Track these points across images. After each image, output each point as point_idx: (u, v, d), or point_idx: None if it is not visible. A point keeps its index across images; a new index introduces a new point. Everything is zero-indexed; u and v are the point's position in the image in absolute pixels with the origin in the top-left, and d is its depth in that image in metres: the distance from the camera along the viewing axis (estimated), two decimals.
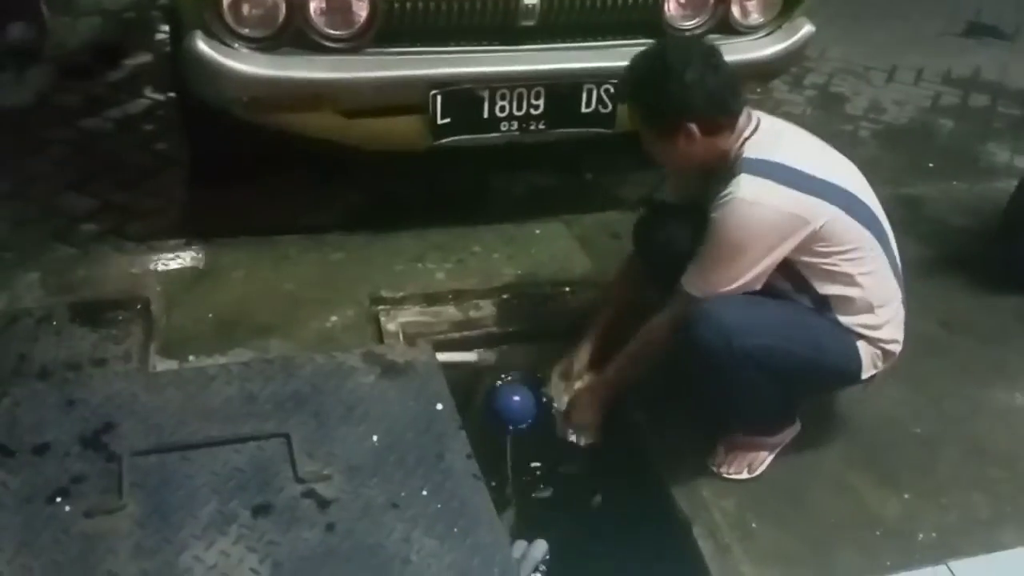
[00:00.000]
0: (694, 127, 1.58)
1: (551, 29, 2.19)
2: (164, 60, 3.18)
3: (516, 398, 1.93)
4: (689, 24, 2.27)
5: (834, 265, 1.63)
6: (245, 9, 2.00)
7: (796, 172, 1.58)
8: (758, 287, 1.62)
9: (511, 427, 1.91)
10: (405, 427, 1.69)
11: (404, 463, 1.62)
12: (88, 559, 1.40)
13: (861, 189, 1.69)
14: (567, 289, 2.24)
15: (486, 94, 2.17)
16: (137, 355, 1.89)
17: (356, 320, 2.09)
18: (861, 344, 1.69)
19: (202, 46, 2.00)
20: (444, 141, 2.22)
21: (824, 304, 1.66)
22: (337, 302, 2.13)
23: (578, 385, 1.89)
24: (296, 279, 2.20)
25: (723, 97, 1.59)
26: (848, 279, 1.64)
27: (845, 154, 1.75)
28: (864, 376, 1.72)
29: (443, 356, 1.96)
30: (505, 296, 2.21)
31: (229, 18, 2.00)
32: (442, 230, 2.44)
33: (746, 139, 1.62)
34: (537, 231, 2.49)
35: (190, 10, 2.05)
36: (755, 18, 2.31)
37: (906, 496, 1.77)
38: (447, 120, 2.18)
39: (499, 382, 1.99)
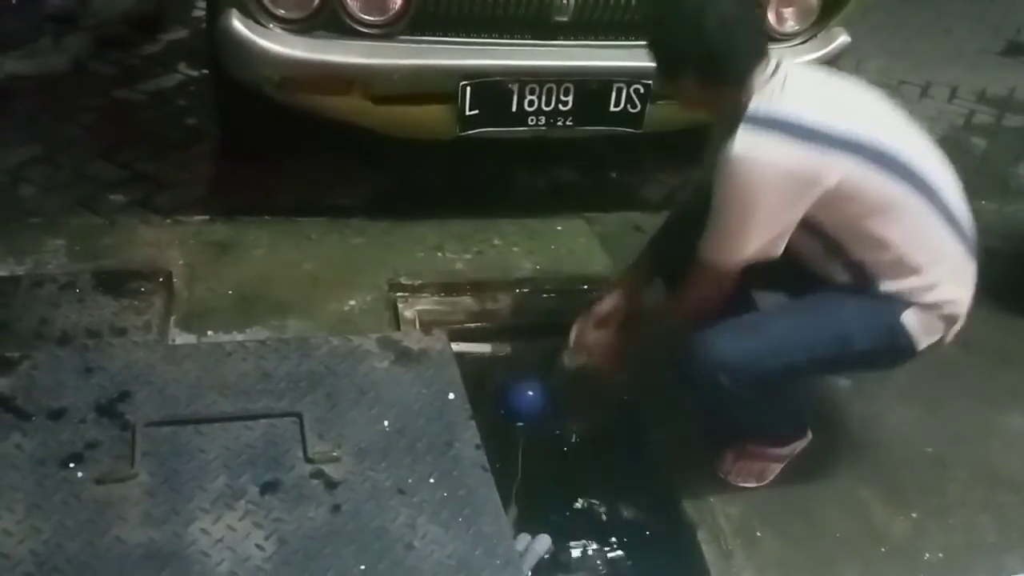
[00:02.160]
0: (709, 78, 1.50)
1: (584, 26, 2.18)
2: (200, 36, 3.20)
3: (529, 393, 1.94)
4: None
5: (861, 227, 1.50)
6: None
7: (799, 125, 1.44)
8: (777, 253, 1.51)
9: (523, 422, 1.92)
10: (416, 414, 1.70)
11: (413, 449, 1.63)
12: (97, 524, 1.42)
13: (896, 138, 1.53)
14: (585, 286, 2.24)
15: (515, 87, 2.17)
16: (157, 327, 1.91)
17: (374, 304, 2.10)
18: (911, 312, 1.55)
19: (237, 25, 2.01)
20: (471, 132, 2.22)
21: (859, 271, 1.56)
22: (356, 285, 2.14)
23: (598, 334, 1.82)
24: (317, 260, 2.22)
25: (737, 44, 1.48)
26: (879, 242, 1.51)
27: None
28: (923, 347, 1.58)
29: (458, 346, 1.97)
30: (523, 290, 2.22)
31: None
32: (463, 220, 2.45)
33: (758, 91, 1.49)
34: (558, 227, 2.50)
35: None
36: (791, 25, 2.30)
37: (914, 515, 1.76)
38: (475, 111, 2.19)
39: (512, 376, 1.99)
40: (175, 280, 2.06)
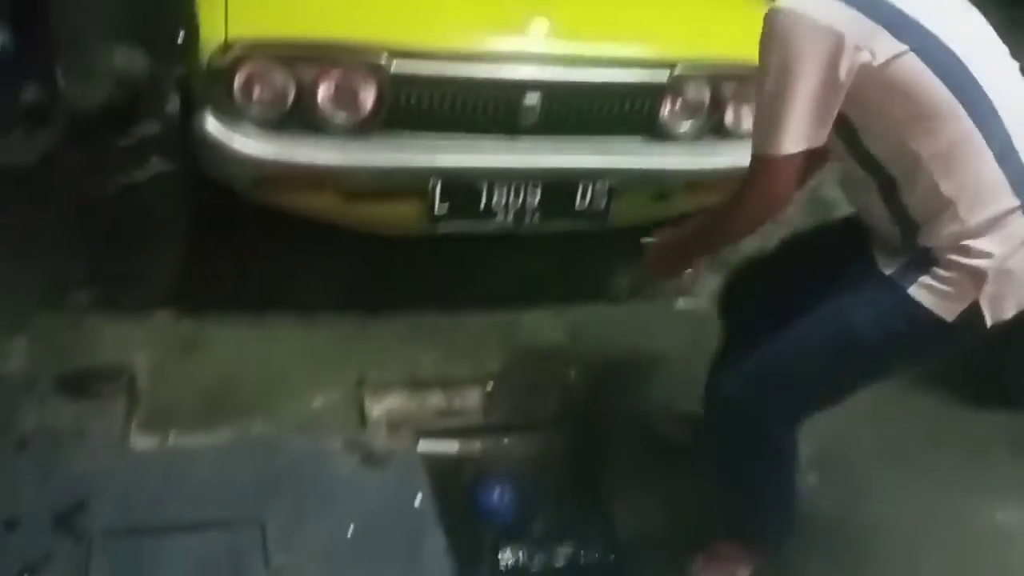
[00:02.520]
0: None
1: (551, 126, 2.23)
2: (173, 130, 3.23)
3: (499, 491, 1.92)
4: (685, 127, 2.33)
5: (903, 142, 1.36)
6: (256, 90, 2.04)
7: None
8: (821, 140, 1.37)
9: (493, 521, 1.89)
10: (382, 519, 1.68)
11: (378, 556, 1.60)
12: None
13: (971, 49, 1.36)
14: (552, 383, 2.24)
15: (485, 185, 2.21)
16: (119, 429, 1.88)
17: (341, 402, 2.09)
18: (917, 286, 1.40)
19: (211, 125, 2.04)
20: (440, 228, 2.25)
21: (895, 198, 1.43)
22: (323, 383, 2.13)
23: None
24: (284, 357, 2.21)
25: None
26: (914, 158, 1.36)
27: None
28: (951, 316, 1.39)
29: (426, 444, 1.95)
30: (492, 386, 2.22)
31: (239, 98, 2.04)
32: (433, 313, 2.46)
33: None
34: (527, 320, 2.51)
35: (201, 88, 2.09)
36: (749, 125, 2.37)
37: None
38: (445, 208, 2.22)
39: (482, 476, 1.97)
40: (139, 380, 2.04)
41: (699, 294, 2.75)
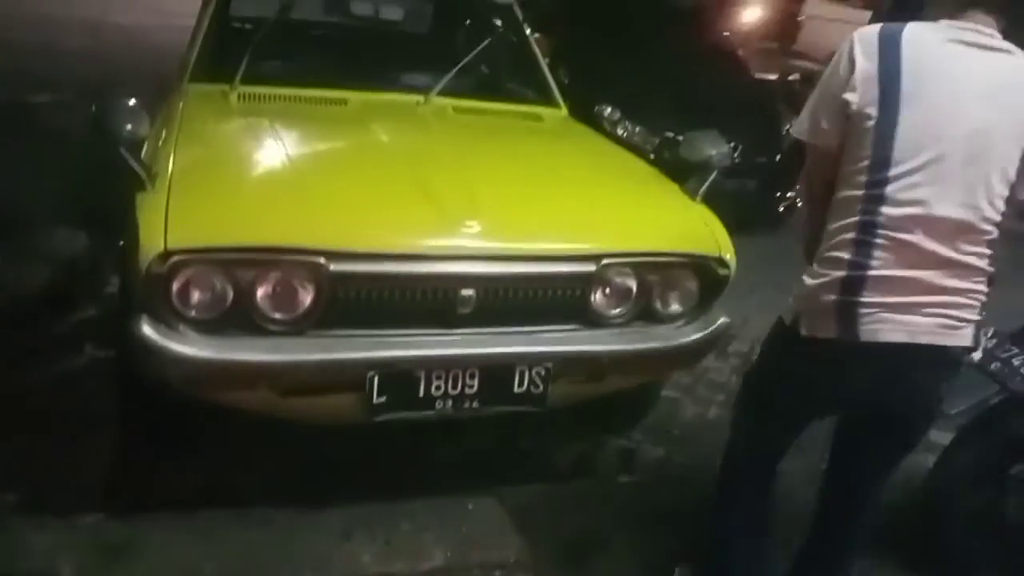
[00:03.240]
0: None
1: (486, 315, 2.31)
2: (109, 315, 3.23)
3: None
4: (615, 312, 2.42)
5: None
6: (194, 295, 2.08)
7: (897, 56, 1.68)
8: (816, 139, 1.78)
9: None
10: None
11: None
12: None
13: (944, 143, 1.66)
14: (497, 573, 2.21)
15: (422, 375, 2.24)
16: None
17: None
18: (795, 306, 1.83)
19: (147, 330, 2.05)
20: (379, 418, 2.26)
21: None
22: None
23: None
24: (217, 559, 2.14)
25: None
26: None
27: None
28: (809, 332, 1.77)
29: None
30: None
31: (177, 302, 2.07)
32: (372, 503, 2.42)
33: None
34: (470, 505, 2.49)
35: (138, 292, 2.11)
36: (675, 308, 2.49)
37: None
38: (383, 399, 2.23)
39: None
40: None
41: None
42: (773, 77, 6.51)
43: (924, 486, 2.58)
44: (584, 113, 4.39)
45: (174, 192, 2.13)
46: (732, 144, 4.76)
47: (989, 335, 2.20)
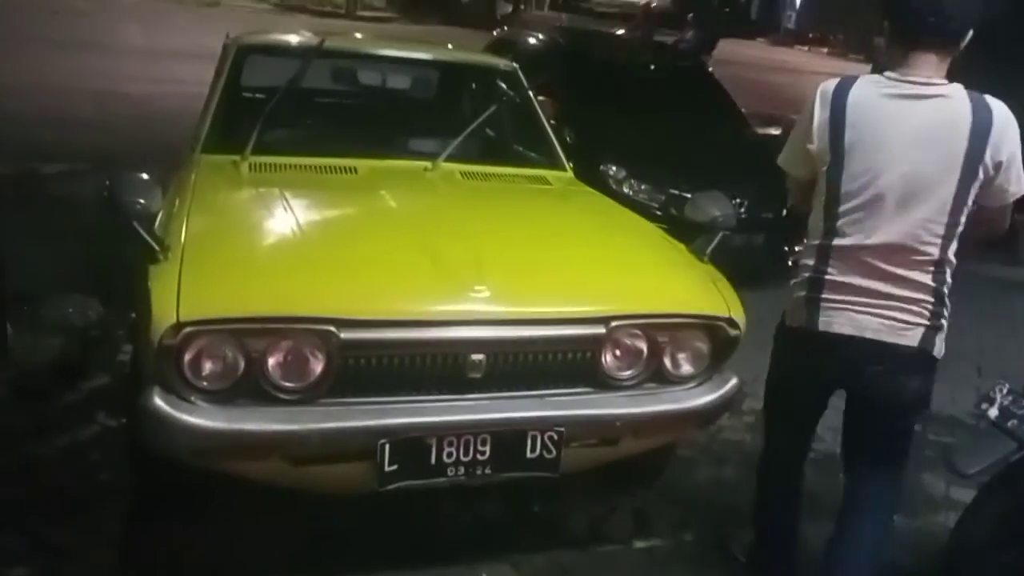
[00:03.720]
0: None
1: (497, 380, 2.30)
2: (122, 383, 3.23)
3: None
4: (625, 375, 2.41)
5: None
6: (205, 366, 2.09)
7: (852, 111, 2.03)
8: (789, 169, 2.24)
9: None
10: None
11: None
12: None
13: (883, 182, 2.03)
14: None
15: (434, 442, 2.23)
16: None
17: None
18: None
19: (159, 402, 2.05)
20: (390, 487, 2.24)
21: None
22: None
23: None
24: None
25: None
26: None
27: None
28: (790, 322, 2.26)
29: None
30: None
31: (188, 373, 2.08)
32: (386, 572, 2.39)
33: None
34: (484, 574, 2.45)
35: (149, 363, 2.12)
36: (686, 369, 2.48)
37: None
38: (394, 467, 2.21)
39: None
40: None
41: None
42: (776, 132, 6.55)
43: (946, 546, 2.53)
44: (590, 172, 4.47)
45: (186, 264, 2.16)
46: (738, 200, 4.91)
47: (1004, 392, 2.18)
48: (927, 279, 2.05)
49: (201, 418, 2.08)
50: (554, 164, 3.51)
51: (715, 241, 2.67)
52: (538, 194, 3.26)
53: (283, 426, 2.13)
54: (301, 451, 2.18)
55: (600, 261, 2.58)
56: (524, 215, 3.00)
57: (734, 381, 2.51)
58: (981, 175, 1.99)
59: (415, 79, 4.22)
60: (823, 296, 2.12)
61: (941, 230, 2.01)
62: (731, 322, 2.43)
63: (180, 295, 2.05)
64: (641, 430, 2.46)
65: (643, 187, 5.17)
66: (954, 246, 2.06)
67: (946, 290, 2.07)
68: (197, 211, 2.54)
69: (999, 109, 2.00)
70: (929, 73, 2.00)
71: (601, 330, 2.31)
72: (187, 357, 2.06)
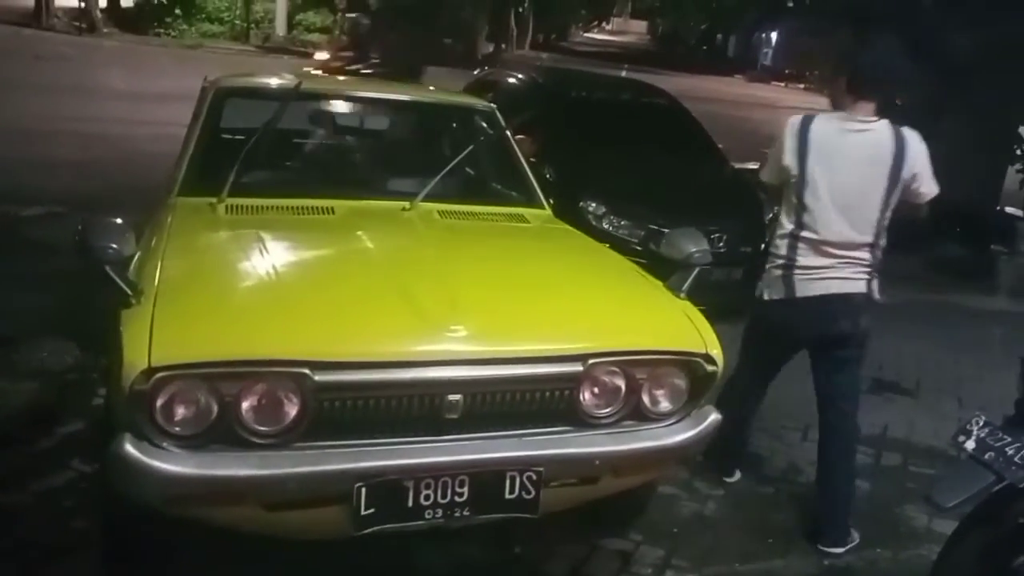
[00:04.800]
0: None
1: (474, 420, 2.28)
2: (97, 428, 3.18)
3: None
4: (604, 412, 2.40)
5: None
6: (178, 411, 2.06)
7: (814, 140, 2.87)
8: (768, 179, 3.07)
9: None
10: None
11: None
12: None
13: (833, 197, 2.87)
14: None
15: (411, 484, 2.20)
16: None
17: None
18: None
19: (130, 449, 2.01)
20: (367, 531, 2.20)
21: None
22: None
23: None
24: None
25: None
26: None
27: None
28: (766, 295, 3.04)
29: None
30: None
31: (160, 419, 2.05)
32: None
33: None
34: None
35: (121, 409, 2.08)
36: (665, 406, 2.46)
37: None
38: (371, 510, 2.18)
39: None
40: None
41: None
42: (754, 167, 6.62)
43: None
44: (571, 208, 4.49)
45: (159, 307, 2.14)
46: (717, 235, 4.95)
47: (981, 424, 2.19)
48: (866, 254, 2.92)
49: (173, 464, 2.04)
50: (532, 202, 3.53)
51: (691, 277, 2.68)
52: (516, 232, 3.27)
53: (257, 471, 2.10)
54: (276, 496, 2.14)
55: (577, 299, 2.58)
56: (501, 253, 3.01)
57: (714, 416, 2.50)
58: (900, 184, 2.85)
59: (393, 120, 4.25)
60: (795, 273, 2.94)
61: (874, 223, 2.89)
62: (708, 358, 2.42)
63: (152, 339, 2.03)
64: (621, 468, 2.44)
65: (623, 223, 5.20)
66: (884, 232, 2.92)
67: (879, 254, 2.94)
68: (172, 254, 2.52)
69: (912, 137, 2.87)
70: (868, 114, 2.86)
71: (578, 368, 2.31)
72: (159, 402, 2.03)
